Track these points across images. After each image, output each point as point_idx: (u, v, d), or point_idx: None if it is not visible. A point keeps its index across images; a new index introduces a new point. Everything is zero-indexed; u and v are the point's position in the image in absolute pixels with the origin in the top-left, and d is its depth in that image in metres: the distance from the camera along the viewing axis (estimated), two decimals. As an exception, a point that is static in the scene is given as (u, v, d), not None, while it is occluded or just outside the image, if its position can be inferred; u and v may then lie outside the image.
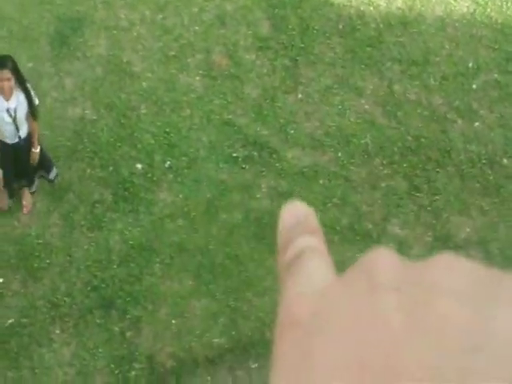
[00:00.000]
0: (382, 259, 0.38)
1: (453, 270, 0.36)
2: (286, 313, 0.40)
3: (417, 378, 0.31)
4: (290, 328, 0.39)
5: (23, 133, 6.02)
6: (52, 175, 6.60)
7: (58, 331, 6.13)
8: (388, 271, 0.37)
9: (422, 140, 7.05)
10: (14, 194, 6.58)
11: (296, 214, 0.45)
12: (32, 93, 5.91)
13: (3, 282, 6.31)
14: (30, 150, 6.19)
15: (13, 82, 5.76)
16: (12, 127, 5.95)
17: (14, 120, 5.89)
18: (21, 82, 5.82)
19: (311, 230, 0.44)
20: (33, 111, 5.96)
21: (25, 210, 6.61)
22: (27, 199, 6.61)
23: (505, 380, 0.31)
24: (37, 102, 5.99)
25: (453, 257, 0.37)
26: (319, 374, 0.34)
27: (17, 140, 6.06)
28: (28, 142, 6.12)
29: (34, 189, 6.61)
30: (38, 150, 6.22)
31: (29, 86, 5.91)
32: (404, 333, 0.33)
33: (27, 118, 5.98)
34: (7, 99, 5.80)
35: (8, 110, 5.84)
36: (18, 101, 5.84)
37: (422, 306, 0.34)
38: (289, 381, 0.36)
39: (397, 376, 0.31)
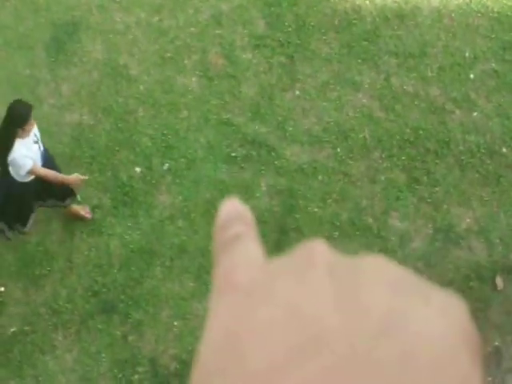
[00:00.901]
0: (321, 246, 0.42)
1: (383, 267, 0.39)
2: (224, 279, 0.42)
3: (331, 353, 0.34)
4: (227, 292, 0.41)
5: (41, 145, 5.98)
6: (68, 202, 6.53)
7: (60, 338, 6.14)
8: (325, 255, 0.41)
9: (421, 132, 7.01)
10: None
11: (235, 207, 0.49)
12: None
13: (5, 291, 6.33)
14: (52, 158, 6.17)
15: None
16: (39, 150, 5.91)
17: (37, 142, 5.89)
18: None
19: (247, 222, 0.48)
20: None
21: (88, 216, 6.57)
22: (80, 208, 6.55)
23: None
24: None
25: (384, 258, 0.40)
26: (256, 331, 0.36)
27: (42, 157, 5.97)
28: (46, 150, 6.07)
29: (68, 202, 6.49)
30: None
31: None
32: (331, 309, 0.36)
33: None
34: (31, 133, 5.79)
35: (35, 142, 5.84)
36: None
37: (350, 289, 0.37)
38: (224, 339, 0.38)
39: (316, 343, 0.35)
